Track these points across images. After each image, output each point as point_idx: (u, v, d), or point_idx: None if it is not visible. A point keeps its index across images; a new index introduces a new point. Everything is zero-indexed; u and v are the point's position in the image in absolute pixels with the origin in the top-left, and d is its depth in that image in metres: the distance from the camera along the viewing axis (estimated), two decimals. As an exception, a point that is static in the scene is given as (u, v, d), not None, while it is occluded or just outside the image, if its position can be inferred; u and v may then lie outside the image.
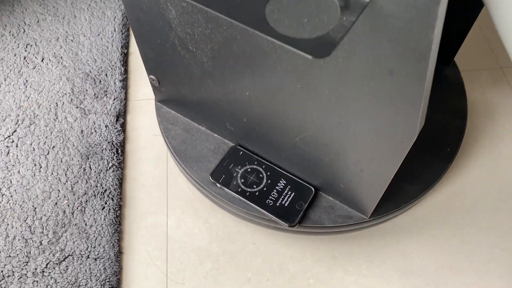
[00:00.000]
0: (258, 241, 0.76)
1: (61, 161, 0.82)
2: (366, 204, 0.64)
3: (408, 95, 0.41)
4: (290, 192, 0.68)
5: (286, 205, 0.67)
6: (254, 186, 0.69)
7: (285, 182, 0.69)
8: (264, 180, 0.69)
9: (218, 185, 0.70)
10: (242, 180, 0.70)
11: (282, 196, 0.68)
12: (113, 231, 0.75)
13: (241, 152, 0.72)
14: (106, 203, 0.77)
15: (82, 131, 0.85)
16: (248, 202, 0.68)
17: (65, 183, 0.79)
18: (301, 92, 0.50)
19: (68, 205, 0.76)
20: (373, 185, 0.58)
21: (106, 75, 0.95)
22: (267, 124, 0.62)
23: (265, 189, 0.69)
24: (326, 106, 0.50)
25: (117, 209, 0.77)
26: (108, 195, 0.78)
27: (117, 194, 0.79)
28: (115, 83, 0.93)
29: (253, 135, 0.67)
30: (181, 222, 0.79)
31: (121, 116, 0.89)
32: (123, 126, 0.89)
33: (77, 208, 0.77)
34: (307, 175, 0.67)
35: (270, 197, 0.68)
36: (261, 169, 0.71)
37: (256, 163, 0.71)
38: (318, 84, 0.47)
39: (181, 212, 0.80)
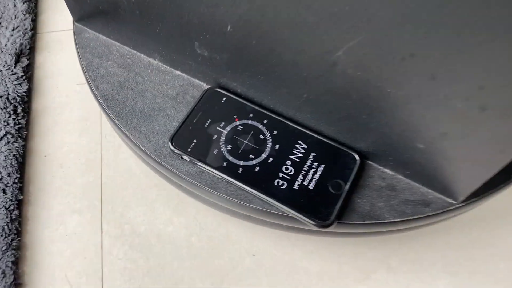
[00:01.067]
0: (259, 251, 0.46)
1: None
2: (463, 179, 0.34)
3: None
4: (316, 164, 0.38)
5: (311, 187, 0.37)
6: (251, 157, 0.38)
7: (306, 146, 0.39)
8: (269, 145, 0.39)
9: (185, 156, 0.39)
10: (229, 147, 0.39)
11: (303, 172, 0.37)
12: (4, 247, 0.45)
13: (224, 99, 0.41)
14: None
15: None
16: (242, 185, 0.37)
17: None
18: None
19: None
20: (488, 145, 0.29)
21: (0, -10, 0.64)
22: (276, 28, 0.31)
23: (270, 160, 0.38)
24: None
25: (12, 207, 0.49)
26: None
27: (13, 182, 0.50)
28: (15, 5, 0.63)
29: (245, 61, 0.36)
30: (126, 225, 0.48)
31: (25, 55, 0.59)
32: (27, 71, 0.59)
33: None
34: (349, 129, 0.37)
35: (281, 174, 0.37)
36: (261, 126, 0.40)
37: (252, 115, 0.40)
38: None
39: (125, 209, 0.49)
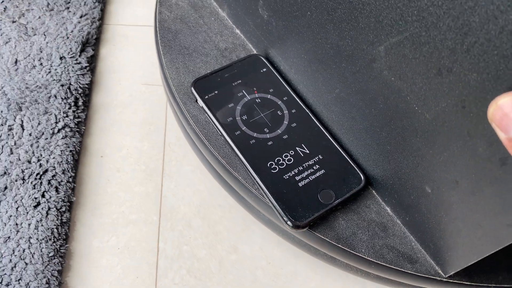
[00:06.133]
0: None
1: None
2: (460, 248, 0.29)
3: None
4: (317, 166, 0.35)
5: (300, 185, 0.34)
6: (258, 129, 0.36)
7: (316, 146, 0.36)
8: (279, 131, 0.36)
9: (199, 101, 0.38)
10: (243, 112, 0.37)
11: (300, 168, 0.35)
12: (51, 253, 0.40)
13: (265, 69, 0.40)
14: (43, 196, 0.42)
15: (16, 62, 0.51)
16: (236, 149, 0.35)
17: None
18: None
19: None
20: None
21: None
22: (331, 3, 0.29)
23: (270, 143, 0.36)
24: None
25: (63, 209, 0.43)
26: (49, 181, 0.43)
27: (67, 181, 0.44)
28: None
29: (295, 35, 0.34)
30: (186, 246, 0.43)
31: (90, 45, 0.54)
32: (92, 62, 0.53)
33: None
34: (366, 146, 0.34)
35: (277, 158, 0.35)
36: (286, 112, 0.38)
37: (283, 96, 0.38)
38: None
39: (185, 228, 0.44)
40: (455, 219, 0.28)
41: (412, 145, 0.28)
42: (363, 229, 0.33)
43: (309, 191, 0.33)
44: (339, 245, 0.32)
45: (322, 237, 0.33)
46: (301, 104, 0.38)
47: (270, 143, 0.36)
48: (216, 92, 0.38)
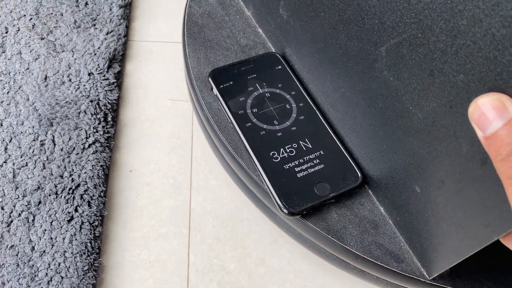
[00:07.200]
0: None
1: (1, 126, 0.48)
2: (443, 250, 0.30)
3: None
4: (317, 161, 0.36)
5: (298, 176, 0.36)
6: (266, 121, 0.38)
7: (319, 142, 0.38)
8: (287, 123, 0.38)
9: (214, 90, 0.40)
10: (254, 103, 0.39)
11: (301, 160, 0.36)
12: (85, 267, 0.41)
13: (280, 67, 0.42)
14: (76, 211, 0.43)
15: (46, 78, 0.52)
16: (242, 137, 0.37)
17: (1, 166, 0.45)
18: None
19: (2, 209, 0.43)
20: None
21: (97, -8, 0.58)
22: (342, 4, 0.31)
23: (279, 134, 0.38)
24: None
25: (96, 223, 0.43)
26: (81, 196, 0.44)
27: (99, 195, 0.45)
28: (111, 9, 0.59)
29: (309, 35, 0.36)
30: (215, 259, 0.44)
31: (117, 61, 0.55)
32: (119, 77, 0.54)
33: (19, 215, 0.43)
34: (365, 145, 0.35)
35: (281, 149, 0.37)
36: (294, 105, 0.40)
37: (292, 92, 0.40)
38: None
39: (214, 242, 0.45)
40: (440, 219, 0.29)
41: (405, 144, 0.30)
42: (354, 224, 0.35)
43: (306, 182, 0.35)
44: (329, 236, 0.34)
45: (314, 226, 0.34)
46: (310, 102, 0.39)
47: (278, 134, 0.37)
48: (231, 83, 0.40)
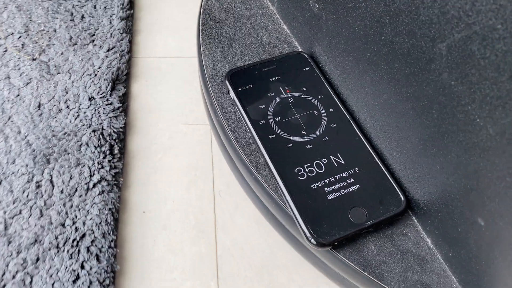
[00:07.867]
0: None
1: (-10, 166, 0.41)
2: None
3: None
4: (351, 180, 0.30)
5: (329, 198, 0.30)
6: (290, 131, 0.33)
7: (354, 157, 0.32)
8: (317, 132, 0.33)
9: (231, 93, 0.35)
10: (277, 111, 0.34)
11: (332, 179, 0.30)
12: None
13: (308, 68, 0.36)
14: (82, 268, 0.36)
15: (39, 106, 0.45)
16: (263, 149, 0.32)
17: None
18: None
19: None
20: None
21: (95, 6, 0.52)
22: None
23: (309, 146, 0.32)
24: None
25: (107, 282, 0.36)
26: (88, 248, 0.37)
27: (109, 246, 0.37)
28: (110, 22, 0.52)
29: (346, 31, 0.31)
30: None
31: (121, 82, 0.48)
32: (124, 101, 0.47)
33: (13, 277, 0.35)
34: (411, 164, 0.29)
35: (307, 166, 0.31)
36: (324, 113, 0.34)
37: (321, 96, 0.35)
38: None
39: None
40: (511, 262, 0.23)
41: (467, 165, 0.24)
42: (396, 259, 0.28)
43: (338, 206, 0.29)
44: (365, 273, 0.28)
45: (347, 261, 0.28)
46: (342, 109, 0.34)
47: (309, 146, 0.32)
48: (251, 85, 0.35)
